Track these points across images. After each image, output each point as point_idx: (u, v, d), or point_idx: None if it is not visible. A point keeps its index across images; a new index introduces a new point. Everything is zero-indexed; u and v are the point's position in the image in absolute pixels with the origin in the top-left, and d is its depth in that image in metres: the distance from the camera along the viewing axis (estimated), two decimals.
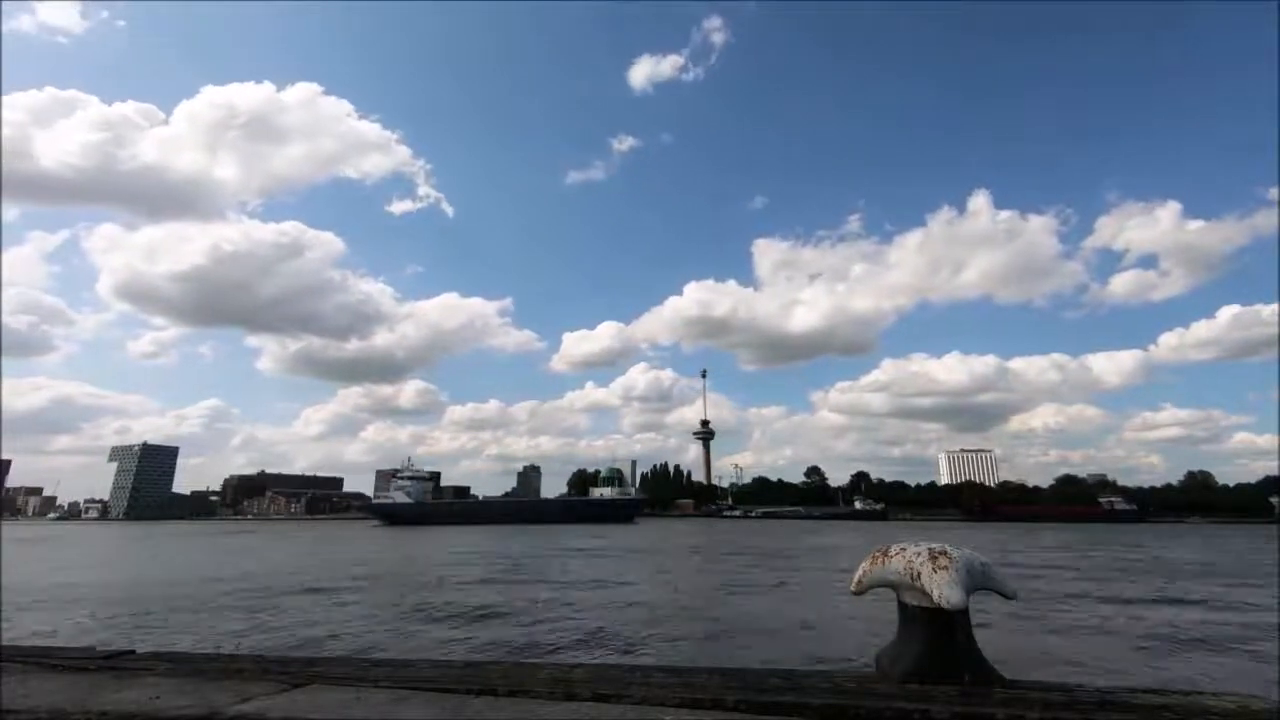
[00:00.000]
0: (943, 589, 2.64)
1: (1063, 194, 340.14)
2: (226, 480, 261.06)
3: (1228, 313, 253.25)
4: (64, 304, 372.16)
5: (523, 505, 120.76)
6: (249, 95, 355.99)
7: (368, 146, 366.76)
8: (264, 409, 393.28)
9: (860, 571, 3.04)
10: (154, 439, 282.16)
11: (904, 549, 2.89)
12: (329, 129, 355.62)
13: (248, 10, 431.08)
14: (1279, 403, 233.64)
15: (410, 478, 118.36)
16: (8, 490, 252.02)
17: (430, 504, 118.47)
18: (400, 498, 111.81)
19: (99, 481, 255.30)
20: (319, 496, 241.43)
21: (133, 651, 3.52)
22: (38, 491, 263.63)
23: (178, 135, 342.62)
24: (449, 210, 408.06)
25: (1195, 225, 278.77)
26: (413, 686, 2.54)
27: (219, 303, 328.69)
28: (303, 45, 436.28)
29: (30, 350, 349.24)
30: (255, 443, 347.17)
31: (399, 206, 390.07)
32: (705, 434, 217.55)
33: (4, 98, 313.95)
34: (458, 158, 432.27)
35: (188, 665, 3.16)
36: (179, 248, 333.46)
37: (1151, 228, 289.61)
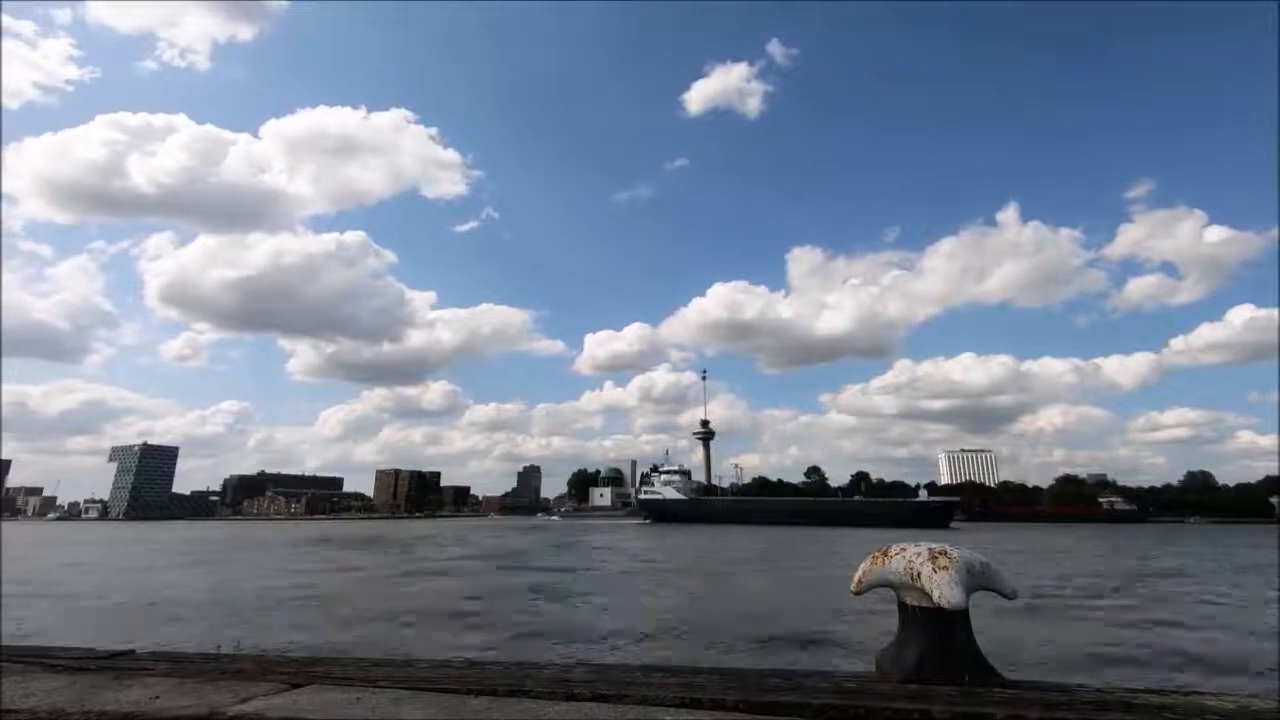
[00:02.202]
0: (943, 589, 2.64)
1: (1088, 202, 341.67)
2: (226, 480, 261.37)
3: (1241, 317, 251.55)
4: (114, 310, 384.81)
5: (815, 506, 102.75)
6: (340, 119, 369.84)
7: (443, 170, 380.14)
8: (289, 410, 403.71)
9: (860, 571, 3.05)
10: (174, 441, 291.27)
11: (904, 549, 2.89)
12: (410, 152, 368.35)
13: (354, 44, 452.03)
14: (1279, 404, 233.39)
15: (676, 472, 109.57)
16: (8, 490, 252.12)
17: (703, 500, 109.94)
18: (670, 494, 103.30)
19: (100, 482, 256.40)
20: (319, 496, 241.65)
21: (133, 651, 3.52)
22: (38, 491, 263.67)
23: (265, 154, 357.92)
24: (504, 228, 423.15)
25: (1217, 234, 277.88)
26: (413, 687, 2.54)
27: (265, 309, 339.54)
28: (398, 73, 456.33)
29: (71, 355, 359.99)
30: (272, 443, 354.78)
31: (463, 226, 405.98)
32: (705, 434, 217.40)
33: (107, 118, 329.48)
34: (518, 178, 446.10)
35: (188, 665, 3.16)
36: (237, 256, 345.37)
37: (1173, 236, 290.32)
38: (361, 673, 2.85)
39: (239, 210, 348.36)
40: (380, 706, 2.27)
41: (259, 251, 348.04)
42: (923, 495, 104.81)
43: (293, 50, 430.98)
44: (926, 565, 2.74)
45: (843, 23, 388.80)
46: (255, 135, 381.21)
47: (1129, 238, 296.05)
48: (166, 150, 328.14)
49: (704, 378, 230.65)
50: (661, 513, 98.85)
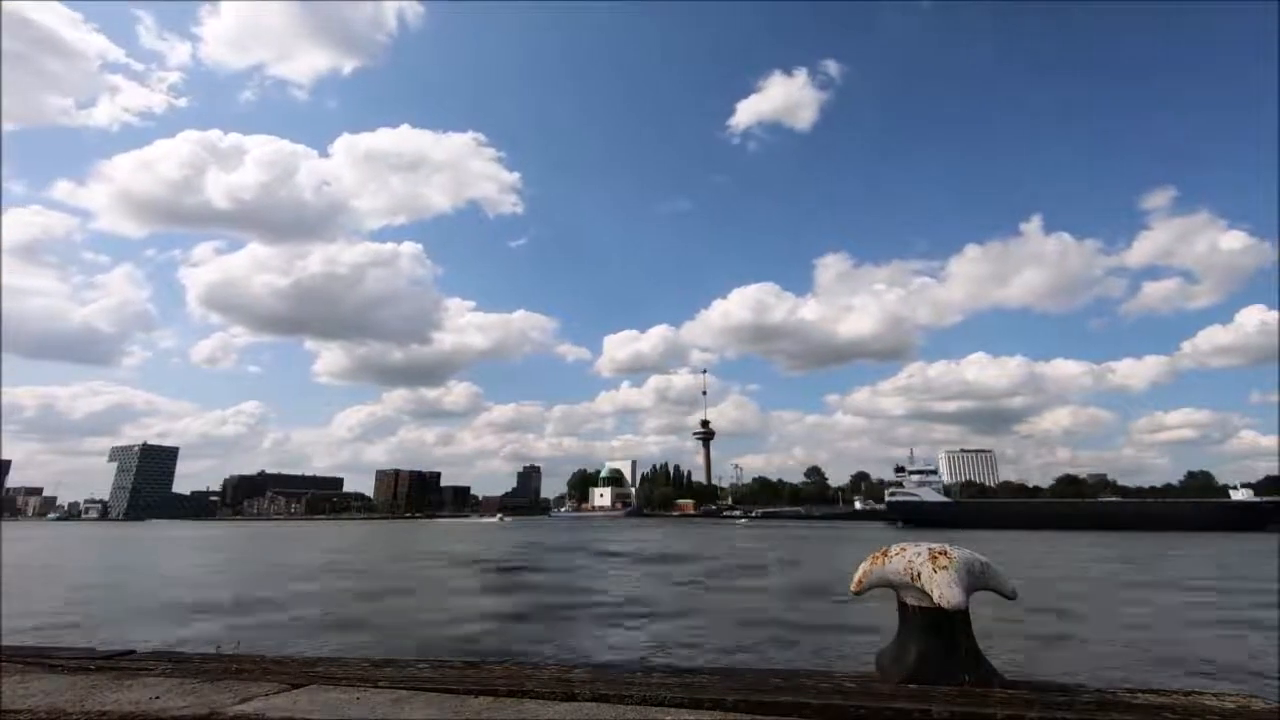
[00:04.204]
0: (943, 589, 2.65)
1: (1110, 209, 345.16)
2: (226, 480, 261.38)
3: (1254, 320, 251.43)
4: (155, 316, 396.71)
5: (1114, 509, 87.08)
6: (416, 141, 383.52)
7: (503, 191, 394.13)
8: (310, 412, 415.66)
9: (860, 571, 3.05)
10: (191, 442, 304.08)
11: (904, 549, 2.89)
12: (476, 172, 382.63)
13: (441, 71, 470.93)
14: (1279, 405, 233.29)
15: (930, 471, 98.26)
16: (8, 490, 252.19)
17: (972, 503, 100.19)
18: (929, 495, 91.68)
19: (101, 482, 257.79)
20: (319, 497, 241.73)
21: (133, 651, 3.52)
22: (38, 491, 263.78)
23: (337, 171, 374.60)
24: (552, 244, 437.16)
25: (1236, 240, 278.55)
26: (413, 687, 2.54)
27: (306, 313, 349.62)
28: (476, 99, 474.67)
29: (105, 358, 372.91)
30: (286, 444, 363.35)
31: (515, 242, 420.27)
32: (705, 434, 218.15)
33: (191, 135, 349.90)
34: (568, 196, 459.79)
35: (188, 665, 3.16)
36: (289, 264, 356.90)
37: (1194, 243, 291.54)
38: (361, 673, 2.85)
39: (307, 222, 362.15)
40: (380, 706, 2.27)
41: (311, 260, 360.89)
42: (1241, 494, 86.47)
43: (387, 79, 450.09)
44: (926, 565, 2.74)
45: (882, 38, 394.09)
46: (328, 154, 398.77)
47: (1149, 245, 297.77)
48: (245, 168, 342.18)
49: (704, 373, 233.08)
50: (918, 517, 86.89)
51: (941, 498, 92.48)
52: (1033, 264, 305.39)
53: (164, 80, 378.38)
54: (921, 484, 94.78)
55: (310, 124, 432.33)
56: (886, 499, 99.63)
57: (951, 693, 2.42)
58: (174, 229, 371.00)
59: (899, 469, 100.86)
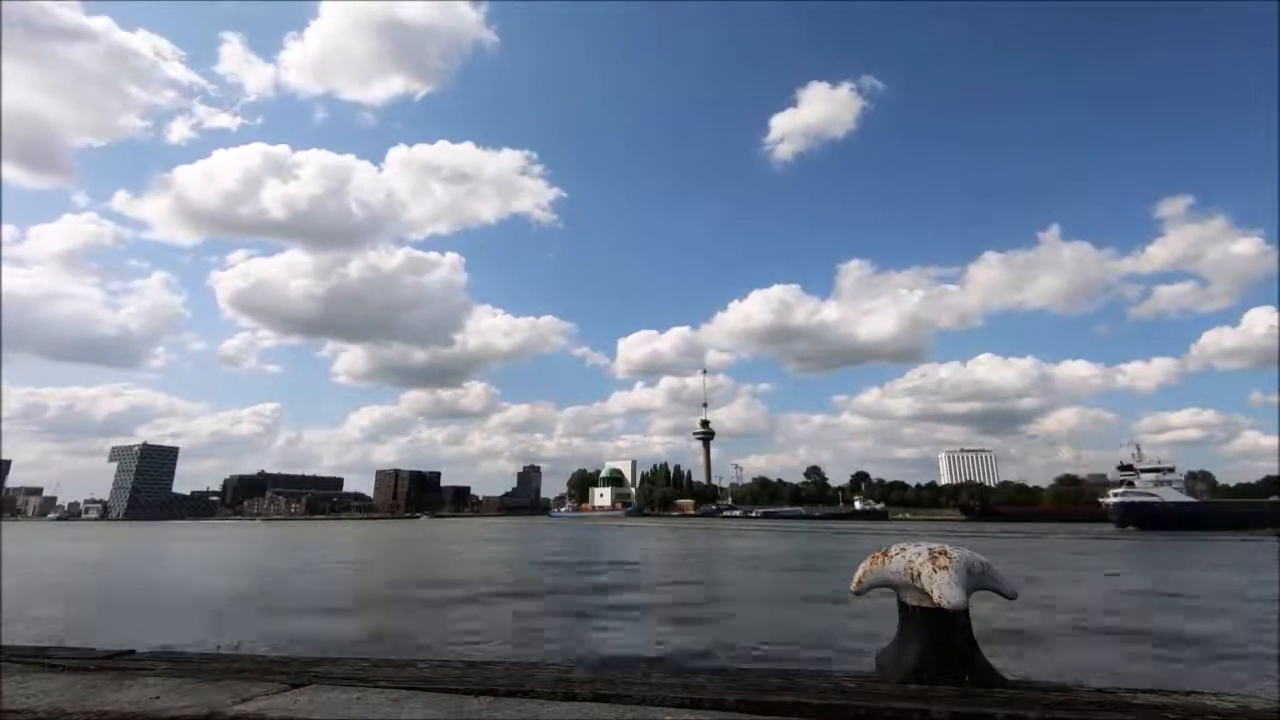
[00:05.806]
0: (943, 589, 2.64)
1: (1126, 216, 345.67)
2: (226, 480, 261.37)
3: (1261, 322, 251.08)
4: (183, 321, 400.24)
5: None
6: (464, 155, 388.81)
7: (545, 207, 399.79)
8: (327, 412, 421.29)
9: (860, 571, 3.05)
10: (203, 442, 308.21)
11: (904, 549, 2.89)
12: (522, 188, 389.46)
13: (499, 94, 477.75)
14: (1279, 405, 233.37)
15: (1167, 469, 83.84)
16: (8, 490, 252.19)
17: (1225, 503, 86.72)
18: (1169, 495, 79.24)
19: (100, 482, 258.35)
20: (319, 496, 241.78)
21: (133, 651, 3.52)
22: (37, 492, 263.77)
23: (387, 183, 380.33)
24: (586, 255, 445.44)
25: (1247, 246, 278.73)
26: (413, 687, 2.54)
27: (338, 316, 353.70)
28: (530, 118, 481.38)
29: (131, 361, 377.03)
30: (298, 443, 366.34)
31: (553, 254, 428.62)
32: (705, 434, 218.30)
33: (254, 149, 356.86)
34: (605, 210, 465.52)
35: (188, 665, 3.16)
36: (329, 269, 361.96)
37: (1208, 248, 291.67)
38: (361, 673, 2.85)
39: (352, 230, 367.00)
40: (380, 706, 2.27)
41: (350, 266, 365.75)
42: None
43: (454, 102, 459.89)
44: (926, 565, 2.74)
45: (910, 51, 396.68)
46: (381, 167, 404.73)
47: (1164, 251, 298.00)
48: (299, 179, 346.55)
49: (704, 373, 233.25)
50: (1155, 520, 75.30)
51: (1185, 497, 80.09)
52: (1049, 270, 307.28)
53: (238, 101, 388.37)
54: (1159, 483, 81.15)
55: (376, 145, 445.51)
56: (1111, 500, 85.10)
57: (951, 693, 2.42)
58: (223, 236, 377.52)
59: (1125, 466, 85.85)
